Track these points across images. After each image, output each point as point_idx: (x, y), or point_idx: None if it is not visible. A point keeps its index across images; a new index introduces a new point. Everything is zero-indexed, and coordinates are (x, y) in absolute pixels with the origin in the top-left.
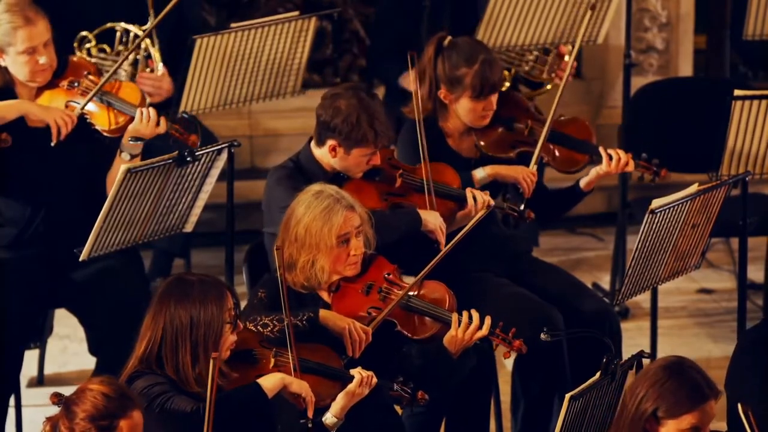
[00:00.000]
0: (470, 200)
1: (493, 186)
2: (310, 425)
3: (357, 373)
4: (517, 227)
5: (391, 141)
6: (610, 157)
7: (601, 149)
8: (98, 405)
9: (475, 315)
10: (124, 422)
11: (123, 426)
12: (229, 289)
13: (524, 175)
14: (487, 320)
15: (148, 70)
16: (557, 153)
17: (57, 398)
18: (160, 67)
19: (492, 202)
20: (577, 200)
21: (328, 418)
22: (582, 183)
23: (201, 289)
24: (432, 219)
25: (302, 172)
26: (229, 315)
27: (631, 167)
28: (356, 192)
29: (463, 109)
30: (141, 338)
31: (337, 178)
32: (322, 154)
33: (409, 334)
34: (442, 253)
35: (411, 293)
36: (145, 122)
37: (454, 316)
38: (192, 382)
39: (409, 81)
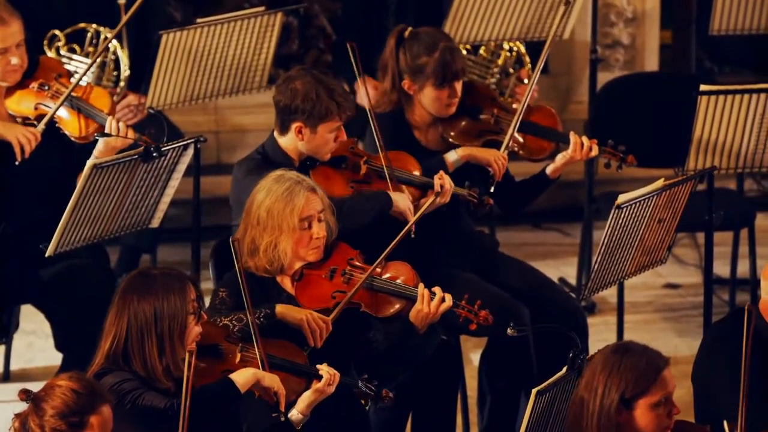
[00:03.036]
0: (437, 186)
1: (464, 169)
2: (282, 419)
3: (324, 371)
4: (477, 214)
5: (352, 112)
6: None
7: (571, 134)
8: (68, 401)
9: (438, 289)
10: (94, 418)
11: (93, 422)
12: (191, 280)
13: (496, 157)
14: (448, 295)
15: (114, 74)
16: (524, 141)
17: (25, 395)
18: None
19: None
20: (544, 188)
21: (294, 414)
22: (548, 170)
23: (163, 282)
24: (401, 200)
25: (269, 162)
26: (192, 306)
27: (595, 152)
28: (323, 179)
29: (427, 99)
30: (106, 334)
31: (303, 166)
32: (288, 141)
33: (374, 314)
34: (402, 233)
35: (374, 274)
36: (115, 133)
37: (419, 291)
38: (161, 375)
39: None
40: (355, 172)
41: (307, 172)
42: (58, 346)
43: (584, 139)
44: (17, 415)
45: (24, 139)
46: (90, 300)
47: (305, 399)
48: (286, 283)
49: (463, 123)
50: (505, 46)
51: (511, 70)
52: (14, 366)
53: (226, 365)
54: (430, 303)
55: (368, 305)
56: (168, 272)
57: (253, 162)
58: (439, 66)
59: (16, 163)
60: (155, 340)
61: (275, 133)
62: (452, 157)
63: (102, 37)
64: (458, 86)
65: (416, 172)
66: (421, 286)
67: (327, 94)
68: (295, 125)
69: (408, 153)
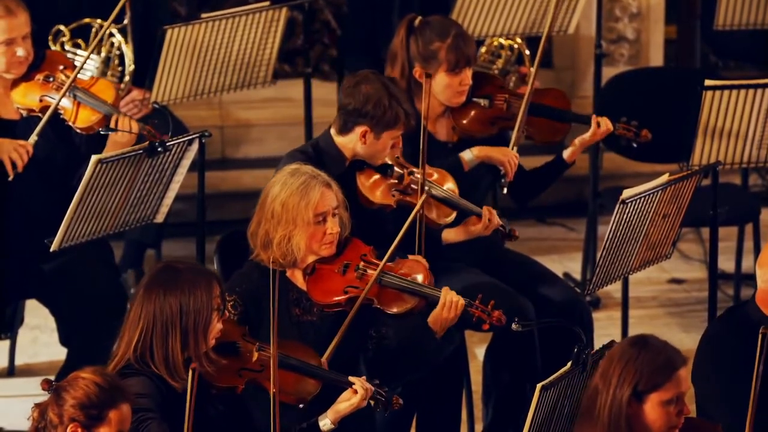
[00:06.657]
0: (485, 218)
1: (477, 169)
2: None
3: (360, 387)
4: (503, 243)
5: (416, 121)
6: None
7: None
8: (90, 394)
9: (453, 293)
10: (113, 413)
11: (112, 417)
12: (215, 276)
13: (509, 158)
14: (459, 297)
15: (119, 69)
16: (538, 125)
17: (48, 385)
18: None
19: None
20: (561, 172)
21: (327, 424)
22: (565, 154)
23: (189, 277)
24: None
25: (320, 156)
26: (217, 302)
27: (610, 128)
28: (367, 180)
29: (439, 86)
30: (130, 326)
31: (353, 166)
32: (346, 141)
33: (386, 310)
34: (404, 227)
35: (388, 270)
36: (120, 127)
37: (443, 298)
38: (181, 368)
39: None
40: (399, 182)
41: (354, 171)
42: (63, 341)
43: (599, 119)
44: (37, 405)
45: (15, 155)
46: (94, 295)
47: (340, 410)
48: (297, 277)
49: (476, 111)
50: (505, 44)
51: (511, 69)
52: (19, 361)
53: (243, 363)
54: (451, 309)
55: (380, 301)
56: (193, 267)
57: (302, 157)
58: (452, 51)
59: (9, 179)
60: (179, 334)
61: (332, 131)
62: (467, 156)
63: (107, 32)
64: (469, 73)
65: (454, 191)
66: (445, 290)
67: (396, 102)
68: (360, 129)
69: (446, 172)
